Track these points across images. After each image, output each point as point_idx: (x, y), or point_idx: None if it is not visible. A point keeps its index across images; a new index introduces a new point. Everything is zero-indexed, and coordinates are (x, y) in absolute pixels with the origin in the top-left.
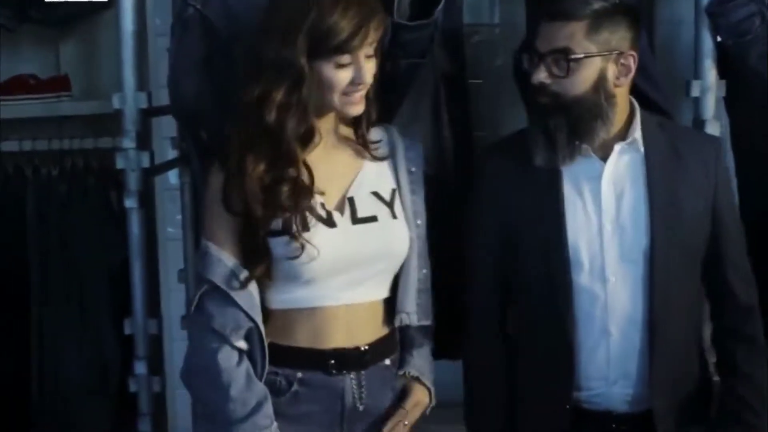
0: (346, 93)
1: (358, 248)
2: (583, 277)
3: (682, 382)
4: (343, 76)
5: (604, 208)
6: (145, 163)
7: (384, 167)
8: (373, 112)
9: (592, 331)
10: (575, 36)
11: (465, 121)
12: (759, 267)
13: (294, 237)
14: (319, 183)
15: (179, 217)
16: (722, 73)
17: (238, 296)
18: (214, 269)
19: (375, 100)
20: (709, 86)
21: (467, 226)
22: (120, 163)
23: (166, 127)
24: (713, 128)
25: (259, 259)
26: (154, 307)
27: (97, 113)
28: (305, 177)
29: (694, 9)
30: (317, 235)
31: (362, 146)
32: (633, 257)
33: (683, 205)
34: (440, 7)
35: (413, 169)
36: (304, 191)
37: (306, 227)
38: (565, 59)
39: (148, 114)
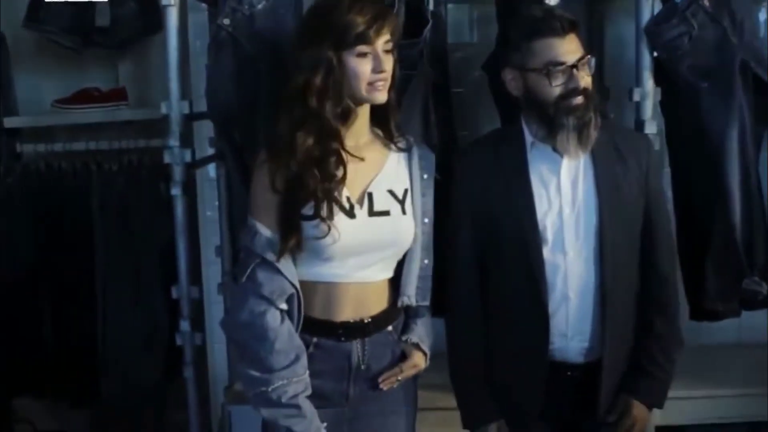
0: (371, 82)
1: (372, 237)
2: (546, 252)
3: (624, 337)
4: (365, 65)
5: (563, 195)
6: (188, 158)
7: (402, 168)
8: (397, 107)
9: (555, 296)
10: (580, 42)
11: (449, 123)
12: (687, 242)
13: (323, 220)
14: (348, 177)
15: (216, 203)
16: (658, 82)
17: (285, 268)
18: (263, 245)
19: (397, 98)
20: (648, 92)
21: (450, 211)
22: (167, 159)
23: (205, 129)
24: (651, 127)
25: (292, 235)
26: (196, 276)
27: (148, 118)
28: (342, 154)
29: (635, 30)
30: (339, 222)
31: (388, 139)
32: (586, 235)
33: (623, 191)
34: (428, 27)
35: (425, 176)
36: (344, 165)
37: (332, 215)
38: (587, 62)
39: (190, 118)
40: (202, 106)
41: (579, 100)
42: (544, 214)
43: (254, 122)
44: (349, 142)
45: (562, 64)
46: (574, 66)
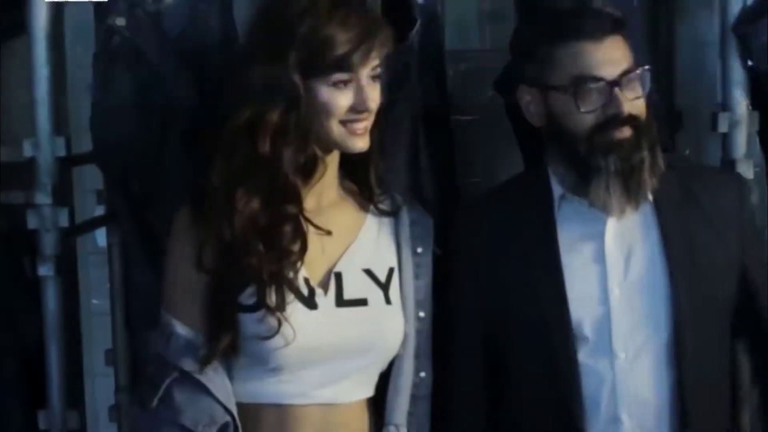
0: (346, 122)
1: (341, 336)
2: (584, 355)
3: None
4: (342, 100)
5: (610, 270)
6: (64, 221)
7: (385, 238)
8: (380, 152)
9: (598, 419)
10: (627, 48)
11: (449, 168)
12: None
13: (270, 311)
14: (308, 252)
15: (107, 285)
16: (754, 104)
17: (215, 383)
18: (182, 351)
19: (382, 139)
20: (740, 119)
21: (448, 297)
22: (32, 222)
23: (90, 178)
24: (745, 169)
25: (224, 334)
26: (74, 397)
27: (4, 162)
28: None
29: (719, 29)
30: (294, 316)
31: (366, 197)
32: (648, 327)
33: (706, 257)
34: (416, 29)
35: (419, 249)
36: (304, 236)
37: (283, 305)
38: (639, 77)
39: (67, 163)
40: (85, 144)
41: (624, 132)
42: (580, 300)
43: (164, 167)
44: (310, 202)
45: (596, 79)
46: (615, 83)
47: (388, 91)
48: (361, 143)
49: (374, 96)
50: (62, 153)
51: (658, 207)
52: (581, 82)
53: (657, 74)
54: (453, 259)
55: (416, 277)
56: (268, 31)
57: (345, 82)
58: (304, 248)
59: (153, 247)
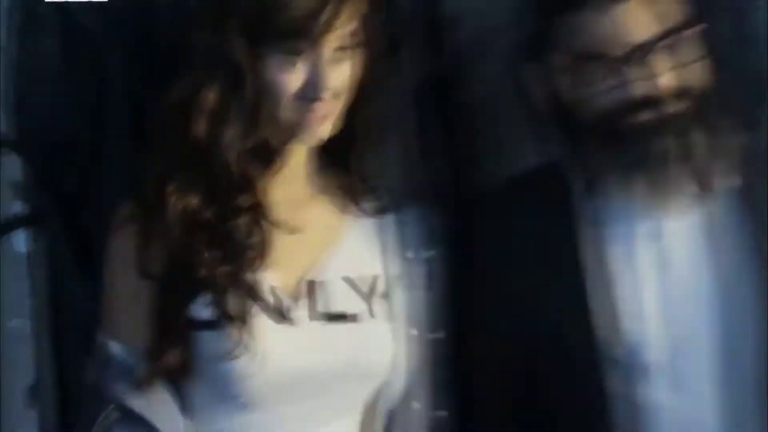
0: (297, 105)
1: (320, 357)
2: (650, 388)
3: None
4: (292, 79)
5: (643, 280)
6: None
7: (370, 241)
8: (367, 139)
9: None
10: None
11: (451, 157)
12: None
13: (231, 323)
14: (277, 255)
15: (27, 301)
16: None
17: (163, 416)
18: (121, 379)
19: (369, 123)
20: None
21: (463, 321)
22: None
23: (7, 168)
24: None
25: (171, 349)
26: None
27: None
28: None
29: None
30: (262, 332)
31: (348, 195)
32: (692, 347)
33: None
34: None
35: (410, 254)
36: (262, 230)
37: (244, 317)
38: (679, 41)
39: None
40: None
41: (646, 115)
42: (637, 320)
43: (102, 154)
44: (278, 193)
45: (601, 56)
46: (648, 49)
47: (373, 66)
48: (315, 133)
49: (338, 76)
50: None
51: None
52: (583, 59)
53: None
54: (462, 267)
55: (409, 287)
56: None
57: (299, 56)
58: (263, 245)
59: (87, 254)
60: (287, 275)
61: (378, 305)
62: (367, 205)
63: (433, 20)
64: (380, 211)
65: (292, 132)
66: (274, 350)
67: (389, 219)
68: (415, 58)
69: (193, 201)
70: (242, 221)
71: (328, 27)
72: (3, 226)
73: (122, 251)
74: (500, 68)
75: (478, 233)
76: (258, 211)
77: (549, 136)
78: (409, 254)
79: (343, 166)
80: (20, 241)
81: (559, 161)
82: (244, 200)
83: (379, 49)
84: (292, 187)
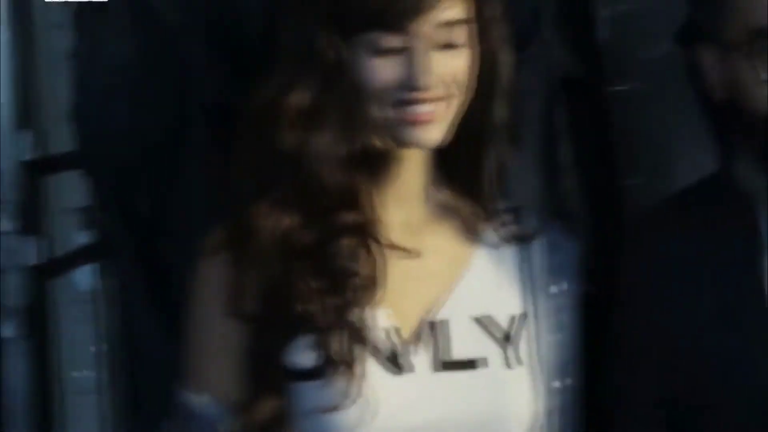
0: (396, 104)
1: (440, 413)
2: None
3: None
4: (386, 72)
5: None
6: (33, 257)
7: (507, 273)
8: (494, 150)
9: None
10: None
11: (605, 161)
12: None
13: (336, 372)
14: (391, 287)
15: (92, 349)
16: None
17: None
18: None
19: (496, 131)
20: None
21: (612, 347)
22: None
23: (69, 191)
24: None
25: (266, 401)
26: None
27: None
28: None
29: None
30: (370, 382)
31: (478, 215)
32: None
33: None
34: None
35: (557, 287)
36: (374, 253)
37: (353, 361)
38: None
39: (36, 169)
40: (63, 142)
41: None
42: None
43: (183, 174)
44: (391, 213)
45: None
46: None
47: (498, 64)
48: (425, 135)
49: (445, 68)
50: (29, 156)
51: None
52: (760, 36)
53: None
54: (621, 293)
55: (555, 329)
56: None
57: (394, 49)
58: (374, 273)
59: (165, 291)
60: (405, 314)
61: (515, 351)
62: (501, 229)
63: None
64: (517, 238)
65: (393, 136)
66: (386, 402)
67: (533, 245)
68: (550, 53)
69: (287, 221)
70: (346, 243)
71: (420, 11)
72: (64, 261)
73: (209, 286)
74: (661, 56)
75: (632, 263)
76: (365, 231)
77: (725, 136)
78: (558, 288)
79: (469, 183)
80: (84, 277)
81: (737, 168)
82: (345, 217)
83: (502, 43)
84: (407, 207)
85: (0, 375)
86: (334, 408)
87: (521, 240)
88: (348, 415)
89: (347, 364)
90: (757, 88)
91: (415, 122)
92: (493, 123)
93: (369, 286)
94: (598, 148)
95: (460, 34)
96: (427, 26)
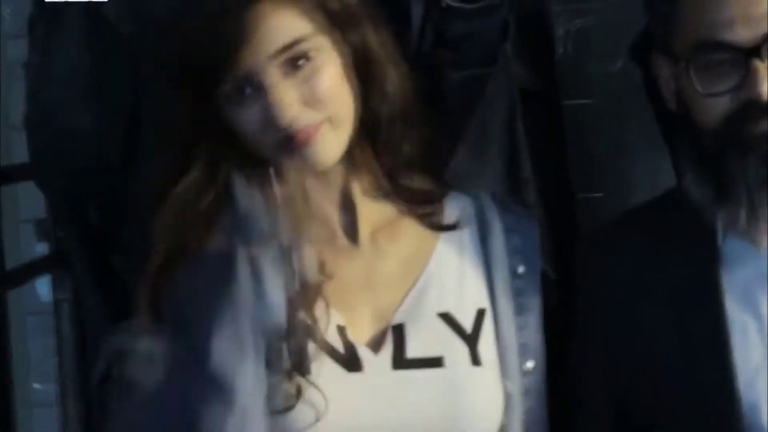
0: (274, 145)
1: (399, 413)
2: None
3: None
4: (251, 119)
5: None
6: None
7: (470, 263)
8: (404, 132)
9: None
10: None
11: (561, 174)
12: None
13: (285, 374)
14: (340, 289)
15: (54, 359)
16: None
17: None
18: None
19: (405, 121)
20: None
21: (569, 363)
22: None
23: (26, 202)
24: None
25: None
26: None
27: None
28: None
29: None
30: (323, 379)
31: (432, 209)
32: None
33: None
34: None
35: (522, 268)
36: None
37: (305, 363)
38: None
39: None
40: (17, 152)
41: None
42: (755, 371)
43: (138, 182)
44: (331, 213)
45: (722, 46)
46: (753, 52)
47: (474, 67)
48: (311, 159)
49: (299, 93)
50: None
51: None
52: (701, 50)
53: None
54: (579, 304)
55: (518, 311)
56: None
57: (248, 93)
58: (321, 271)
59: (122, 303)
60: (364, 312)
61: (484, 346)
62: (450, 212)
63: (542, 9)
64: (478, 219)
65: (285, 167)
66: (341, 401)
67: (492, 227)
68: (517, 65)
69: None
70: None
71: (247, 52)
72: (22, 272)
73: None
74: (617, 71)
75: (589, 274)
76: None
77: (680, 148)
78: (521, 269)
79: (386, 175)
80: (43, 289)
81: (690, 181)
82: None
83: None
84: (350, 211)
85: None
86: (285, 408)
87: (477, 222)
88: (300, 414)
89: (295, 362)
90: (698, 102)
91: (294, 151)
92: (374, 116)
93: (314, 287)
94: (556, 162)
95: (306, 51)
96: (264, 61)
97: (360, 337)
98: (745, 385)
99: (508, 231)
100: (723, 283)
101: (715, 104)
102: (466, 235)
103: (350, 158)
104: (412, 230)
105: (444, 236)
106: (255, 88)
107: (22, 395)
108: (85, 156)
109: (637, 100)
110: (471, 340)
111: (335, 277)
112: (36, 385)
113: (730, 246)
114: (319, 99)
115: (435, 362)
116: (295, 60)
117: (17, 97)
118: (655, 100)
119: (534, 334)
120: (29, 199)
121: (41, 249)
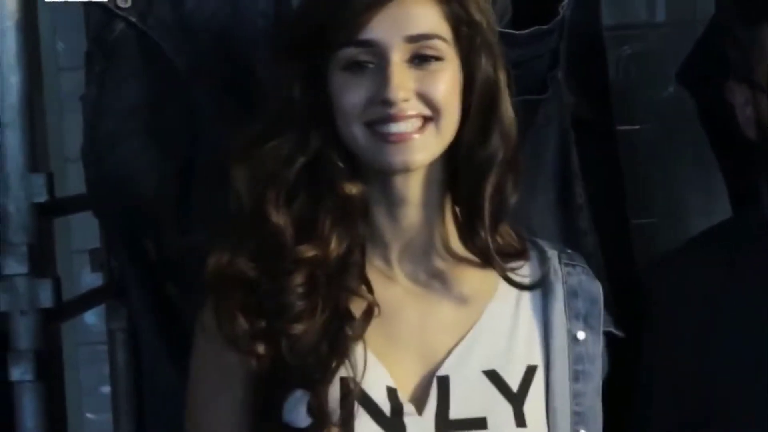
0: (370, 123)
1: None
2: None
3: None
4: (359, 88)
5: None
6: (47, 300)
7: (525, 321)
8: (503, 183)
9: None
10: None
11: (618, 202)
12: None
13: (327, 427)
14: (384, 343)
15: (106, 389)
16: None
17: None
18: None
19: (505, 160)
20: None
21: (635, 388)
22: (2, 302)
23: (80, 233)
24: None
25: None
26: None
27: None
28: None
29: None
30: None
31: (490, 262)
32: None
33: None
34: (566, 0)
35: (582, 334)
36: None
37: (350, 421)
38: None
39: (48, 212)
40: (74, 183)
41: None
42: None
43: (193, 215)
44: (403, 265)
45: None
46: None
47: (525, 92)
48: (401, 156)
49: (415, 83)
50: (42, 197)
51: None
52: None
53: None
54: (648, 321)
55: (575, 378)
56: (297, 13)
57: (366, 64)
58: (362, 322)
59: (179, 335)
60: (408, 369)
61: (531, 406)
62: (519, 272)
63: (595, 34)
64: (536, 281)
65: (371, 157)
66: None
67: (553, 287)
68: (569, 91)
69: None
70: (305, 283)
71: (383, 20)
72: (76, 303)
73: (206, 333)
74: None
75: (662, 299)
76: (317, 266)
77: (747, 173)
78: (581, 335)
79: (471, 222)
80: (94, 320)
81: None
82: (302, 251)
83: (494, 70)
84: (417, 256)
85: (13, 419)
86: None
87: (535, 282)
88: None
89: (342, 423)
90: None
91: (389, 141)
92: (490, 155)
93: (354, 335)
94: (609, 189)
95: (436, 50)
96: (397, 39)
97: (404, 387)
98: None
99: (571, 294)
100: None
101: None
102: (526, 292)
103: (439, 195)
104: (470, 275)
105: (503, 288)
106: (378, 62)
107: (76, 426)
108: (141, 190)
109: (691, 126)
110: (517, 399)
111: (387, 314)
112: (89, 415)
113: None
114: (434, 97)
115: (478, 423)
116: (426, 56)
117: (72, 130)
118: (710, 126)
119: (590, 402)
120: (81, 230)
121: (90, 280)
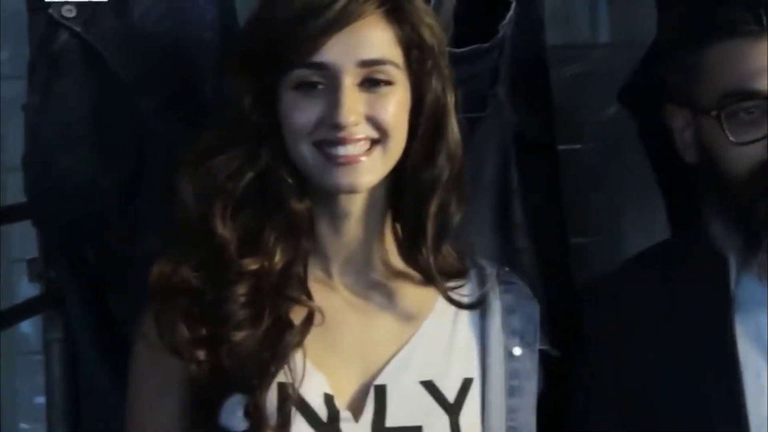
0: (318, 143)
1: None
2: None
3: None
4: (308, 109)
5: None
6: None
7: (463, 334)
8: (452, 196)
9: None
10: None
11: (557, 221)
12: None
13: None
14: (324, 352)
15: (41, 399)
16: None
17: None
18: None
19: (450, 181)
20: None
21: (571, 406)
22: None
23: (17, 242)
24: None
25: None
26: None
27: None
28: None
29: None
30: None
31: (425, 277)
32: None
33: None
34: (508, 19)
35: (518, 350)
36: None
37: (287, 426)
38: None
39: None
40: (13, 192)
41: None
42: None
43: (135, 224)
44: (342, 275)
45: (753, 95)
46: None
47: (467, 110)
48: (347, 179)
49: (364, 107)
50: None
51: None
52: (732, 100)
53: None
54: (587, 341)
55: (511, 393)
56: (248, 26)
57: (313, 84)
58: (300, 331)
59: (117, 346)
60: (345, 377)
61: (466, 418)
62: (459, 291)
63: (538, 54)
64: (475, 300)
65: (318, 179)
66: None
67: (490, 304)
68: (511, 109)
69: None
70: (248, 294)
71: (333, 31)
72: (13, 314)
73: (146, 340)
74: (611, 117)
75: (597, 320)
76: (260, 277)
77: (686, 193)
78: (517, 351)
79: (413, 240)
80: (29, 332)
81: (710, 228)
82: (246, 264)
83: (443, 93)
84: (355, 268)
85: None
86: None
87: (470, 307)
88: None
89: (279, 427)
90: (727, 151)
91: (336, 163)
92: (435, 175)
93: (292, 342)
94: (549, 207)
95: (387, 75)
96: (350, 63)
97: (341, 394)
98: (758, 429)
99: (508, 311)
100: (736, 328)
101: (745, 153)
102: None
103: (381, 212)
104: (409, 290)
105: (441, 303)
106: (330, 84)
107: None
108: (83, 199)
109: (631, 144)
110: (453, 410)
111: (327, 324)
112: (24, 425)
113: (745, 291)
114: (383, 121)
115: (413, 431)
116: (377, 80)
117: (10, 138)
118: (651, 146)
119: (525, 417)
120: (19, 240)
121: (28, 289)
